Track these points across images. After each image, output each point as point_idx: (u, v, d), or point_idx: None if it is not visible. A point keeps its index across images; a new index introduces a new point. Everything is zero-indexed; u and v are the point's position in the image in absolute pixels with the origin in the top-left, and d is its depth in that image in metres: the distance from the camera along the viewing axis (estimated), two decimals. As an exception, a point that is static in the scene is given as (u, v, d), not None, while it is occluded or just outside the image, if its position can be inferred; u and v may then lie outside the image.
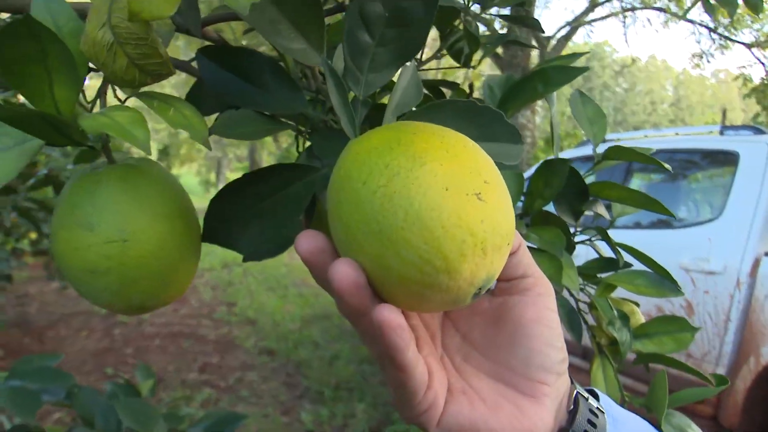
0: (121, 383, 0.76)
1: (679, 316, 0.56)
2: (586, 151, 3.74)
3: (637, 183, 3.55)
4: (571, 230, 0.54)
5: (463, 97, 0.56)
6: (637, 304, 0.60)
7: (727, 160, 2.90)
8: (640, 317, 0.58)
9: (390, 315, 0.29)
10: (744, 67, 9.26)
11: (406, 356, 0.30)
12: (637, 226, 3.25)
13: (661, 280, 0.55)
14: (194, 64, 0.45)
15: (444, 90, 0.56)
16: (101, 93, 0.40)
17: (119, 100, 0.39)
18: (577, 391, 0.38)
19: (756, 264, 2.51)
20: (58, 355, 0.71)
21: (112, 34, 0.32)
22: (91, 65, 0.38)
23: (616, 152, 0.51)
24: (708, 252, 2.72)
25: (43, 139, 0.34)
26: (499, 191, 0.29)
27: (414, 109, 0.37)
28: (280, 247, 0.41)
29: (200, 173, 26.43)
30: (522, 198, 0.53)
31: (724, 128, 3.07)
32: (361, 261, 0.29)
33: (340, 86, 0.34)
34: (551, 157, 0.53)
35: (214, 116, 0.47)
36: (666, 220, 3.26)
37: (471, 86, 0.56)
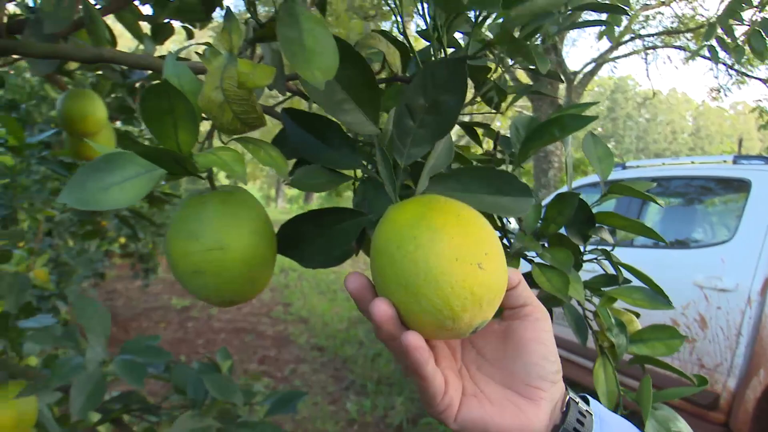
0: (206, 362, 0.83)
1: (670, 326, 0.60)
2: (611, 176, 3.71)
3: (656, 206, 3.49)
4: (582, 248, 0.59)
5: (492, 136, 0.61)
6: (638, 315, 0.63)
7: (740, 186, 2.83)
8: (637, 325, 0.62)
9: (413, 339, 0.36)
10: (760, 100, 8.96)
11: (426, 369, 0.37)
12: (656, 245, 3.19)
13: (655, 295, 0.59)
14: (278, 108, 0.51)
15: (477, 129, 0.61)
16: (209, 136, 0.47)
17: (222, 142, 0.45)
18: (570, 396, 0.43)
19: (766, 283, 2.44)
20: (157, 337, 0.78)
21: (222, 95, 0.39)
22: (204, 116, 0.44)
23: (618, 188, 0.56)
24: (721, 271, 2.65)
25: (166, 170, 0.40)
26: (496, 260, 0.36)
27: (444, 171, 0.43)
28: (333, 263, 0.46)
29: (262, 189, 27.06)
30: (539, 222, 0.57)
31: (737, 158, 3.00)
32: (392, 301, 0.36)
33: (386, 159, 0.41)
34: (564, 189, 0.58)
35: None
36: (683, 240, 3.20)
37: (497, 135, 0.61)
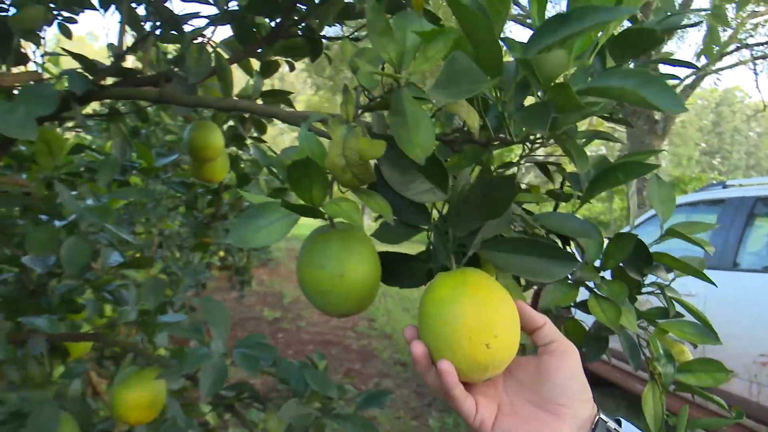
0: (306, 361, 0.95)
1: (717, 361, 0.65)
2: (710, 195, 3.56)
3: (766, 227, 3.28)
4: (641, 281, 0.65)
5: (564, 174, 0.68)
6: (696, 345, 0.67)
7: None
8: (688, 356, 0.68)
9: (446, 365, 0.46)
10: None
11: (455, 391, 0.46)
12: (766, 269, 3.00)
13: (705, 330, 0.64)
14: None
15: (549, 166, 0.68)
16: (330, 186, 0.57)
17: (341, 191, 0.56)
18: (599, 417, 0.50)
19: None
20: (265, 337, 0.91)
21: (344, 161, 0.49)
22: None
23: (672, 232, 0.64)
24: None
25: (301, 215, 0.51)
26: (503, 338, 0.47)
27: (498, 236, 0.53)
28: (408, 287, 0.58)
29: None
30: (601, 255, 0.64)
31: None
32: (426, 342, 0.49)
33: (440, 234, 0.52)
34: (625, 230, 0.64)
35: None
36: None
37: (565, 175, 0.68)
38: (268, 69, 1.28)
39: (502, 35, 0.45)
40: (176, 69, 0.81)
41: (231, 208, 1.65)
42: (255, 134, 1.39)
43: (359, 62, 0.45)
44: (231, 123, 1.38)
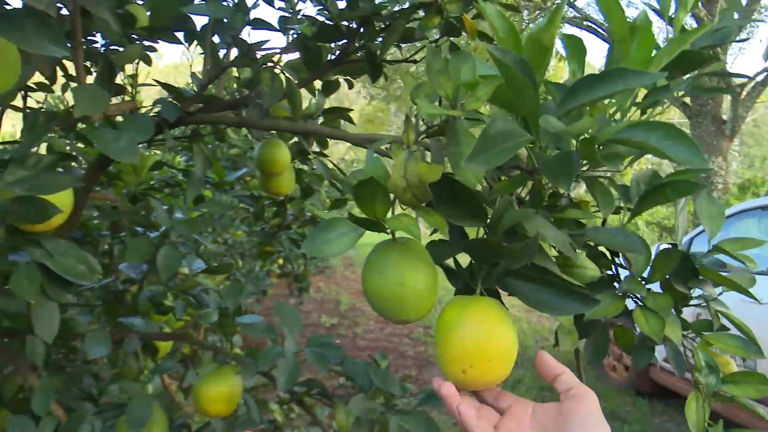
0: (369, 360, 1.02)
1: (761, 373, 0.67)
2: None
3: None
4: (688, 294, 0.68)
5: (616, 188, 0.72)
6: (744, 359, 0.70)
7: None
8: (733, 367, 0.70)
9: (445, 389, 0.56)
10: None
11: (456, 413, 0.55)
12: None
13: (749, 344, 0.67)
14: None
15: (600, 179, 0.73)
16: (393, 204, 0.64)
17: (403, 208, 0.63)
18: None
19: None
20: (332, 337, 0.99)
21: (405, 182, 0.56)
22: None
23: (718, 249, 0.68)
24: None
25: (366, 229, 0.58)
26: (479, 370, 0.56)
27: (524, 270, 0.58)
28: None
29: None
30: (648, 269, 0.68)
31: None
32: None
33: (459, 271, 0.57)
34: (670, 244, 0.68)
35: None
36: None
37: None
38: (330, 88, 1.37)
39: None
40: (251, 93, 0.90)
41: (295, 219, 1.75)
42: (317, 149, 1.48)
43: (419, 100, 0.52)
44: (295, 139, 1.48)
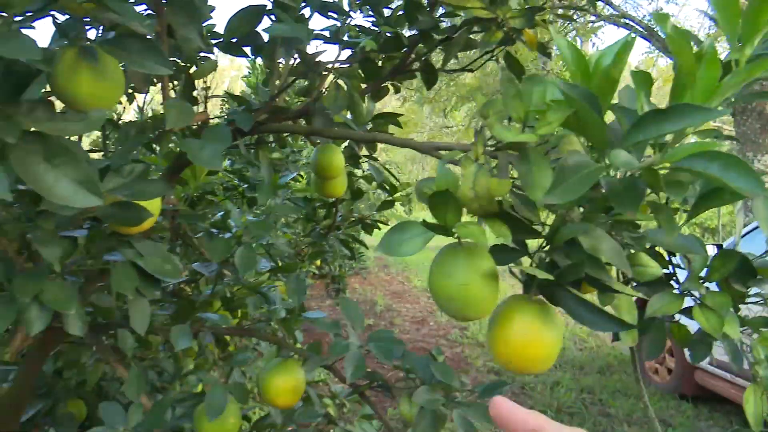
0: (427, 355, 1.07)
1: None
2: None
3: None
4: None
5: None
6: None
7: None
8: None
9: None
10: None
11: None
12: None
13: None
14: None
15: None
16: (461, 213, 0.69)
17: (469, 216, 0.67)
18: None
19: None
20: (392, 332, 1.04)
21: (474, 194, 0.60)
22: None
23: None
24: None
25: (436, 234, 0.63)
26: (520, 365, 0.64)
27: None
28: None
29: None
30: (707, 268, 0.70)
31: None
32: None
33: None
34: (716, 245, 0.71)
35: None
36: None
37: (668, 197, 0.75)
38: (380, 94, 1.43)
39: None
40: (314, 103, 0.96)
41: (343, 220, 1.82)
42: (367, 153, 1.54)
43: (491, 119, 0.57)
44: (346, 144, 1.54)
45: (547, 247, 0.65)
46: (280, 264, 1.08)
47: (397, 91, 1.48)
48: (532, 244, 0.71)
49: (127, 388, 0.85)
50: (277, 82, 0.99)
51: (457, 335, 6.02)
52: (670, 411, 3.92)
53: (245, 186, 1.64)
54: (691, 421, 3.80)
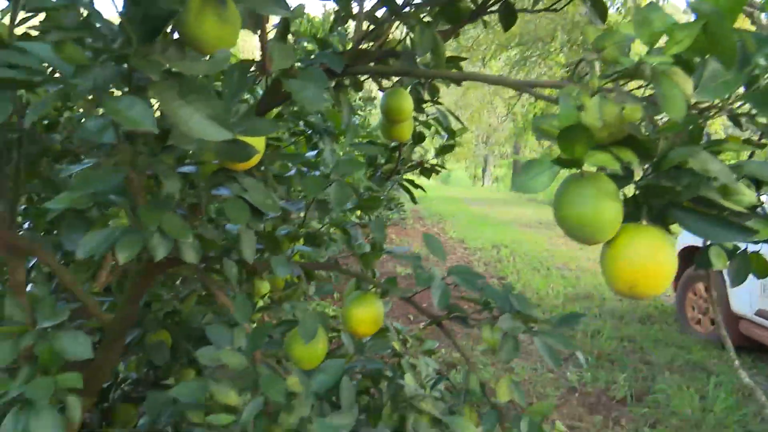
0: (505, 287, 1.13)
1: None
2: None
3: None
4: None
5: (761, 126, 0.76)
6: None
7: None
8: None
9: None
10: None
11: None
12: None
13: None
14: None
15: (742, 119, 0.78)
16: (591, 143, 0.72)
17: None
18: None
19: None
20: (469, 267, 1.10)
21: (602, 122, 0.63)
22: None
23: None
24: None
25: (564, 168, 0.66)
26: (641, 290, 0.68)
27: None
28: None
29: (468, 168, 27.67)
30: None
31: None
32: None
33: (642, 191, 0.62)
34: None
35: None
36: None
37: (761, 133, 0.76)
38: (448, 36, 1.44)
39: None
40: (398, 45, 0.99)
41: (403, 164, 1.86)
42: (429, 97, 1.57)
43: (610, 52, 0.60)
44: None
45: (650, 175, 0.68)
46: (365, 199, 1.13)
47: (456, 36, 1.49)
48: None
49: (235, 312, 0.94)
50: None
51: (495, 285, 6.10)
52: (713, 360, 3.95)
53: (310, 131, 1.70)
54: (733, 369, 3.83)
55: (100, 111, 1.02)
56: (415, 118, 1.69)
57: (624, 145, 0.66)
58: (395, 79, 1.45)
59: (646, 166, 0.75)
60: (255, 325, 1.09)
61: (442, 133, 1.72)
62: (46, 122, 1.42)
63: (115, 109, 0.64)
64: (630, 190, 0.77)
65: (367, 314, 1.16)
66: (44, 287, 1.03)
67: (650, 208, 0.75)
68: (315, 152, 1.12)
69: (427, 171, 1.87)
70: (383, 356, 1.67)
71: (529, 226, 10.74)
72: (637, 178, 0.75)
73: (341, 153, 1.39)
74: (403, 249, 1.12)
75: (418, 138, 1.68)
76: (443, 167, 1.88)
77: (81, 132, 0.81)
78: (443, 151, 1.81)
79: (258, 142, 0.90)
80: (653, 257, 0.68)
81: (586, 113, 0.62)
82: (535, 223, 11.23)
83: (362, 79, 1.18)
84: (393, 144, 1.74)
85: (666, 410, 3.26)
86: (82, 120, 1.31)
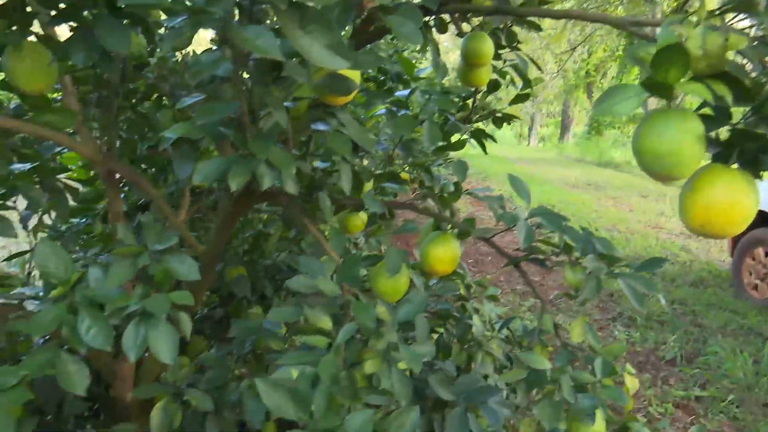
0: (587, 230, 1.14)
1: None
2: None
3: None
4: None
5: None
6: None
7: None
8: None
9: None
10: None
11: None
12: None
13: None
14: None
15: None
16: (685, 71, 0.71)
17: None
18: None
19: None
20: (548, 209, 1.11)
21: (703, 52, 0.63)
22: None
23: None
24: None
25: (652, 94, 0.66)
26: (714, 229, 0.70)
27: None
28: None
29: (514, 127, 27.03)
30: None
31: None
32: None
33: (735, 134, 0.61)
34: None
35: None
36: None
37: None
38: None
39: None
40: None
41: (476, 112, 1.86)
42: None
43: None
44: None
45: (750, 118, 0.68)
46: (450, 141, 1.15)
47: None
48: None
49: (330, 243, 0.99)
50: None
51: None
52: (768, 325, 3.88)
53: (383, 77, 1.71)
54: (789, 336, 3.75)
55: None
56: (493, 66, 1.68)
57: (721, 81, 0.65)
58: (476, 23, 1.44)
59: (748, 109, 0.74)
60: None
61: (517, 83, 1.70)
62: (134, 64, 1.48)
63: (244, 38, 0.68)
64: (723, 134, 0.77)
65: (446, 254, 1.20)
66: (149, 216, 1.11)
67: (742, 151, 0.75)
68: (407, 92, 1.14)
69: (500, 120, 1.86)
70: (448, 299, 1.72)
71: (577, 186, 10.53)
72: (734, 120, 0.75)
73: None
74: (488, 190, 1.14)
75: (493, 86, 1.67)
76: (516, 117, 1.87)
77: (196, 65, 0.85)
78: (518, 99, 1.79)
79: (355, 77, 0.92)
80: (731, 198, 0.69)
81: (688, 41, 0.62)
82: (583, 184, 10.98)
83: (447, 21, 1.18)
84: (467, 92, 1.74)
85: (717, 372, 3.24)
86: (174, 59, 1.36)
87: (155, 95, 1.48)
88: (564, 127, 21.45)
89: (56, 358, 0.91)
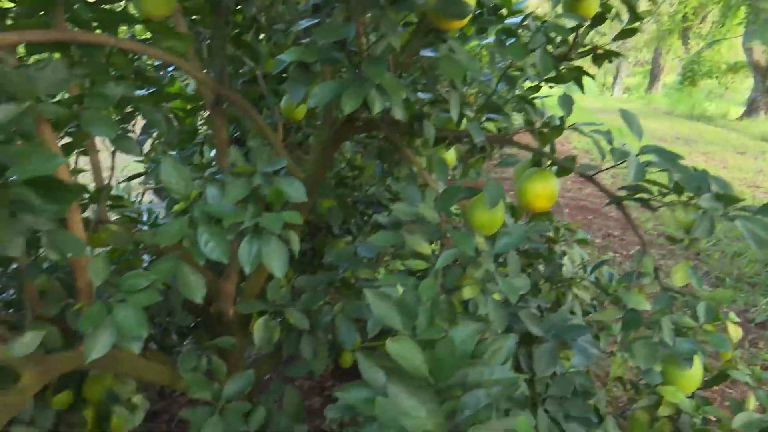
0: (703, 170, 1.09)
1: None
2: None
3: None
4: None
5: None
6: None
7: None
8: None
9: None
10: None
11: None
12: None
13: None
14: None
15: None
16: None
17: None
18: None
19: None
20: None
21: None
22: None
23: None
24: None
25: None
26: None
27: None
28: None
29: (597, 76, 25.57)
30: None
31: None
32: None
33: None
34: None
35: None
36: None
37: None
38: None
39: None
40: None
41: (575, 48, 1.77)
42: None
43: None
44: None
45: None
46: (554, 74, 1.12)
47: None
48: None
49: (435, 168, 1.00)
50: None
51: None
52: None
53: (479, 11, 1.65)
54: None
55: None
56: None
57: None
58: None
59: None
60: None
61: (622, 17, 1.60)
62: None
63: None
64: None
65: (544, 190, 1.18)
66: (257, 141, 1.16)
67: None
68: (519, 19, 1.10)
69: (601, 57, 1.77)
70: (537, 239, 1.71)
71: (664, 140, 9.91)
72: None
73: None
74: (596, 124, 1.10)
75: (599, 19, 1.58)
76: (619, 54, 1.77)
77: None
78: (624, 35, 1.69)
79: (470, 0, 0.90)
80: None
81: None
82: (672, 137, 10.33)
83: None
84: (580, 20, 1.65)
85: (812, 339, 3.06)
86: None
87: (254, 27, 1.51)
88: (653, 77, 20.02)
89: (177, 268, 0.99)
